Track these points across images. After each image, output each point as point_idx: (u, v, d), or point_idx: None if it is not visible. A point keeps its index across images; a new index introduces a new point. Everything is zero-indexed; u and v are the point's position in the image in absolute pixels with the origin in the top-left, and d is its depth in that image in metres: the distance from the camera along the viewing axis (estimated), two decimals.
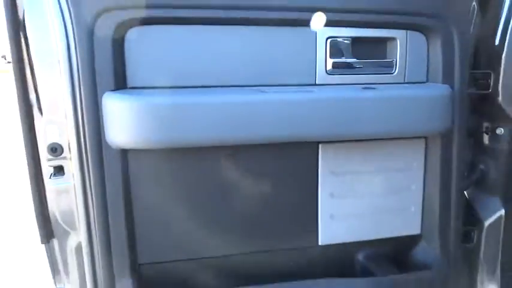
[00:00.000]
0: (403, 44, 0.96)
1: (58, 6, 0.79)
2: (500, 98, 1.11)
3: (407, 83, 0.97)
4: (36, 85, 0.88)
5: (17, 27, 0.86)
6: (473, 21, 1.13)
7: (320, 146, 0.94)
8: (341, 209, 0.99)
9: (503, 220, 1.17)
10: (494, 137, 1.16)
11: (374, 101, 0.89)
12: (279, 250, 0.97)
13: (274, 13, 0.88)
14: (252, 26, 0.89)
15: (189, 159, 0.90)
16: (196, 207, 0.91)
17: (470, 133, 1.21)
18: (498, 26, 1.10)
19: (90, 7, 0.78)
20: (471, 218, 1.21)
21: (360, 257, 1.02)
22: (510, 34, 1.07)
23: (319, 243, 0.99)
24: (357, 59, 0.95)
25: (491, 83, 1.11)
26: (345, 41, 0.93)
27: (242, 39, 0.89)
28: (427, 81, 0.98)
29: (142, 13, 0.81)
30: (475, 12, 1.12)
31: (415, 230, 1.04)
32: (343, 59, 0.94)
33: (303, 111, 0.85)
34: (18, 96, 0.89)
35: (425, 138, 1.01)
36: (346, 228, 1.00)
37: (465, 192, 1.27)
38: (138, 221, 0.89)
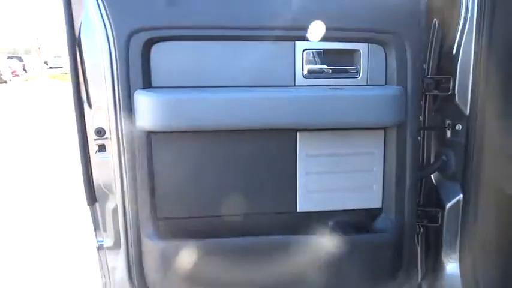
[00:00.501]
0: (365, 55, 1.22)
1: (104, 28, 1.11)
2: (457, 99, 1.34)
3: (369, 85, 1.23)
4: (87, 85, 1.20)
5: (74, 43, 1.19)
6: (435, 34, 1.38)
7: (298, 133, 1.22)
8: (315, 184, 1.25)
9: (461, 204, 1.39)
10: (454, 132, 1.39)
11: (341, 98, 1.16)
12: (266, 214, 1.25)
13: (264, 31, 1.16)
14: (247, 41, 1.18)
15: (196, 140, 1.19)
16: (200, 177, 1.20)
17: (437, 128, 1.44)
18: (455, 39, 1.34)
19: (126, 30, 1.10)
20: (436, 201, 1.44)
21: (330, 223, 1.28)
22: (463, 45, 1.30)
23: (297, 210, 1.25)
24: (328, 66, 1.22)
25: (451, 86, 1.34)
26: (318, 52, 1.21)
27: (239, 51, 1.18)
28: (386, 84, 1.24)
29: (162, 34, 1.12)
30: (437, 27, 1.37)
31: (377, 204, 1.29)
32: (316, 66, 1.21)
33: (285, 106, 1.15)
34: (73, 94, 1.22)
35: (384, 129, 1.26)
36: (319, 200, 1.26)
37: (432, 177, 1.49)
38: (158, 187, 1.19)
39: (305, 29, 1.17)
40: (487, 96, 1.30)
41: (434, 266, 1.46)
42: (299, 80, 1.21)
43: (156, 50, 1.14)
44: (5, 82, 20.90)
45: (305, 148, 1.23)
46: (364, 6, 1.19)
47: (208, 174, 1.21)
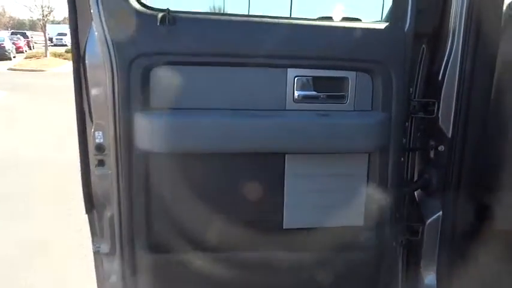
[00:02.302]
0: (353, 82, 1.28)
1: (107, 51, 1.17)
2: (440, 122, 1.41)
3: (356, 110, 1.30)
4: (90, 102, 1.27)
5: (79, 62, 1.25)
6: (422, 59, 1.44)
7: (286, 155, 1.29)
8: (302, 203, 1.34)
9: (441, 219, 1.47)
10: (437, 152, 1.46)
11: (328, 126, 1.24)
12: (254, 230, 1.34)
13: (258, 59, 1.23)
14: (244, 67, 1.25)
15: (191, 160, 1.27)
16: (193, 196, 1.29)
17: (421, 149, 1.51)
18: (442, 65, 1.39)
19: (128, 55, 1.16)
20: (418, 216, 1.52)
21: (315, 239, 1.36)
22: (448, 71, 1.36)
23: (284, 227, 1.34)
24: (317, 92, 1.28)
25: (436, 110, 1.40)
26: (308, 79, 1.28)
27: (234, 76, 1.25)
28: (372, 109, 1.31)
29: (161, 59, 1.19)
30: (425, 52, 1.43)
31: (359, 222, 1.37)
32: (306, 92, 1.28)
33: (275, 132, 1.23)
34: (76, 109, 1.29)
35: (368, 153, 1.33)
36: (305, 218, 1.35)
37: (415, 194, 1.57)
38: (151, 202, 1.27)
39: (297, 57, 1.24)
40: (468, 120, 1.37)
41: (414, 278, 1.55)
42: (290, 104, 1.28)
43: (155, 74, 1.21)
44: (10, 59, 20.89)
45: (293, 169, 1.30)
46: (353, 36, 1.25)
47: (201, 194, 1.29)
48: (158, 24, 1.15)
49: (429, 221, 1.48)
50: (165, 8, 1.18)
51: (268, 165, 1.30)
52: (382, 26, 1.29)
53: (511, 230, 1.69)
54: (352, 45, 1.25)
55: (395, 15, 1.29)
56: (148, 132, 1.19)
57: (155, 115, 1.19)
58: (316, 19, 1.38)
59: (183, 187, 1.27)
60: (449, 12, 1.33)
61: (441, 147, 1.44)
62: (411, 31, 1.26)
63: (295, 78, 1.27)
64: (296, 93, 1.27)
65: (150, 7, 1.20)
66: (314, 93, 1.29)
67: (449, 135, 1.39)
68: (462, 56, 1.31)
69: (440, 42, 1.38)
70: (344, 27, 1.28)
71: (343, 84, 1.29)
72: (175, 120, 1.21)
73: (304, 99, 1.28)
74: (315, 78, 1.28)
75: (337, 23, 1.30)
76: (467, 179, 1.43)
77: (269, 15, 1.23)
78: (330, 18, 1.57)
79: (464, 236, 1.48)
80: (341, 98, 1.30)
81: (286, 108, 1.28)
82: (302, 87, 1.27)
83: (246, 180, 1.30)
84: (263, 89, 1.27)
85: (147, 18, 1.16)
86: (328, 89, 1.29)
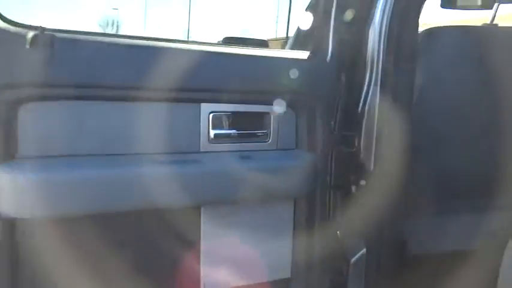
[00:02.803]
0: (275, 118, 1.13)
1: None
2: (362, 155, 1.33)
3: (279, 149, 1.14)
4: None
5: None
6: (342, 91, 1.36)
7: (202, 208, 1.08)
8: (222, 261, 1.13)
9: (365, 258, 1.39)
10: (358, 188, 1.38)
11: (249, 170, 1.05)
12: None
13: (165, 92, 1.00)
14: (146, 102, 1.00)
15: (72, 225, 0.97)
16: (77, 268, 0.99)
17: (343, 186, 1.43)
18: (361, 96, 1.33)
19: None
20: (341, 255, 1.43)
21: None
22: (369, 102, 1.30)
23: None
24: (236, 130, 1.10)
25: (356, 143, 1.33)
26: (226, 115, 1.08)
27: (135, 114, 1.00)
28: (296, 147, 1.17)
29: (31, 93, 0.89)
30: (344, 83, 1.35)
31: (286, 274, 1.22)
32: (224, 131, 1.09)
33: (186, 182, 1.00)
34: None
35: (294, 198, 1.19)
36: (225, 275, 1.14)
37: (337, 232, 1.49)
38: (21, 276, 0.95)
39: (212, 90, 1.04)
40: (389, 154, 1.32)
41: None
42: (204, 145, 1.07)
43: (24, 112, 0.90)
44: None
45: (210, 223, 1.09)
46: (274, 67, 1.10)
47: (87, 264, 1.00)
48: (28, 46, 0.86)
49: (353, 260, 1.40)
50: (39, 25, 0.88)
51: (179, 223, 1.07)
52: (304, 55, 1.16)
53: (425, 254, 1.72)
54: (273, 75, 1.09)
55: (316, 43, 1.18)
56: (12, 191, 0.87)
57: (22, 168, 0.88)
58: (225, 40, 1.21)
59: (60, 262, 0.97)
60: (367, 41, 1.27)
61: (363, 182, 1.37)
62: (333, 61, 1.16)
63: (211, 115, 1.07)
64: (212, 132, 1.07)
65: (18, 23, 0.89)
66: (233, 131, 1.10)
67: (371, 169, 1.32)
68: (381, 86, 1.25)
69: (359, 72, 1.31)
70: (263, 56, 1.12)
71: (264, 121, 1.13)
72: (51, 173, 0.90)
73: (222, 138, 1.09)
74: (233, 114, 1.09)
75: (256, 50, 1.14)
76: (389, 213, 1.38)
77: (179, 38, 1.01)
78: (237, 40, 1.41)
79: (390, 272, 1.43)
80: (263, 136, 1.13)
81: (201, 151, 1.07)
82: (219, 125, 1.08)
83: (151, 245, 1.05)
84: (171, 128, 1.04)
85: (13, 38, 0.86)
86: (249, 126, 1.12)
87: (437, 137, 1.51)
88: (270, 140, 1.14)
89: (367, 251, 1.38)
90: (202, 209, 1.08)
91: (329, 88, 1.17)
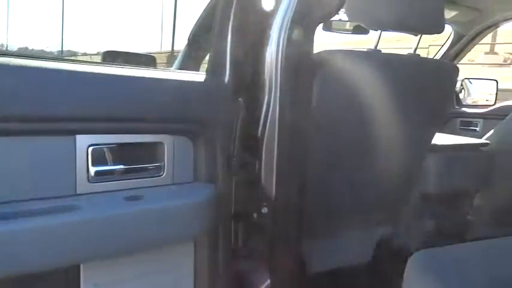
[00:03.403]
0: (170, 148, 0.98)
1: None
2: (263, 181, 1.26)
3: (175, 184, 1.00)
4: None
5: None
6: (239, 115, 1.27)
7: (82, 266, 0.88)
8: None
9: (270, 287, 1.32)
10: (260, 215, 1.31)
11: (140, 213, 0.88)
12: None
13: (24, 123, 0.78)
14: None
15: None
16: None
17: (245, 215, 1.34)
18: (260, 120, 1.26)
19: None
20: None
21: None
22: (268, 127, 1.24)
23: None
24: (123, 165, 0.93)
25: (257, 169, 1.25)
26: (109, 148, 0.91)
27: None
28: (194, 180, 1.04)
29: None
30: (242, 106, 1.26)
31: None
32: (106, 167, 0.91)
33: (59, 235, 0.78)
34: None
35: (194, 239, 1.05)
36: None
37: (242, 265, 1.39)
38: None
39: (90, 119, 0.86)
40: (292, 178, 1.27)
41: None
42: (82, 186, 0.87)
43: None
44: None
45: (92, 282, 0.89)
46: (166, 90, 0.96)
47: None
48: None
49: None
50: None
51: (57, 280, 0.85)
52: (200, 77, 1.05)
53: (325, 271, 1.72)
54: (166, 101, 0.95)
55: (212, 65, 1.08)
56: None
57: None
58: (106, 55, 1.03)
59: None
60: (264, 62, 1.21)
61: (264, 209, 1.30)
62: (230, 84, 1.07)
63: (89, 148, 0.88)
64: (92, 170, 0.88)
65: None
66: (119, 167, 0.92)
67: (273, 195, 1.26)
68: (281, 109, 1.20)
69: (257, 95, 1.25)
70: (153, 78, 0.97)
71: (157, 152, 0.98)
72: None
73: (105, 176, 0.90)
74: (118, 146, 0.92)
75: (144, 71, 0.99)
76: (291, 237, 1.34)
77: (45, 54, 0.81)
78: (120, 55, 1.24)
79: None
80: (156, 170, 0.98)
81: (78, 193, 0.87)
82: (100, 161, 0.89)
83: None
84: (36, 168, 0.82)
85: None
86: (138, 160, 0.96)
87: (326, 156, 1.53)
88: (165, 174, 0.99)
89: (271, 282, 1.31)
90: (81, 267, 0.88)
91: (227, 112, 1.07)
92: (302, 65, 1.21)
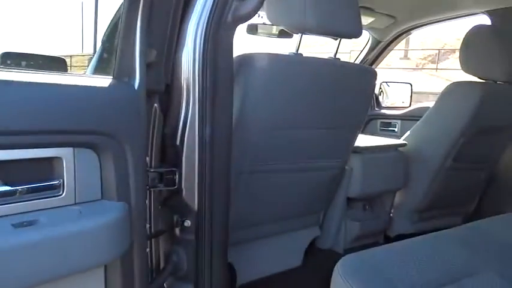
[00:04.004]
0: (69, 163, 0.86)
1: None
2: (184, 193, 1.18)
3: (79, 204, 0.88)
4: None
5: None
6: (156, 123, 1.17)
7: None
8: None
9: None
10: (183, 228, 1.22)
11: (31, 242, 0.75)
12: None
13: None
14: None
15: None
16: None
17: (165, 230, 1.24)
18: (178, 127, 1.17)
19: None
20: None
21: None
22: (187, 134, 1.15)
23: None
24: (11, 186, 0.79)
25: (177, 180, 1.16)
26: None
27: None
28: (102, 198, 0.92)
29: None
30: (157, 113, 1.16)
31: None
32: None
33: None
34: None
35: (104, 265, 0.93)
36: None
37: (164, 285, 1.29)
38: None
39: None
40: (214, 188, 1.20)
41: None
42: None
43: None
44: None
45: None
46: (66, 100, 0.84)
47: None
48: None
49: None
50: None
51: None
52: (106, 81, 0.94)
53: (255, 280, 1.68)
54: (64, 109, 0.83)
55: (119, 69, 0.97)
56: None
57: None
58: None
59: None
60: (181, 65, 1.13)
61: (187, 222, 1.21)
62: (141, 89, 0.98)
63: None
64: None
65: None
66: (6, 188, 0.78)
67: (195, 207, 1.18)
68: (200, 113, 1.13)
69: (174, 101, 1.16)
70: (52, 84, 0.85)
71: (55, 168, 0.85)
72: None
73: None
74: (6, 163, 0.78)
75: (41, 76, 0.86)
76: (222, 252, 1.27)
77: None
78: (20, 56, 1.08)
79: None
80: (54, 189, 0.85)
81: None
82: None
83: None
84: None
85: None
86: (32, 178, 0.82)
87: (249, 161, 1.49)
88: (65, 193, 0.86)
89: None
90: None
91: (139, 120, 0.97)
92: (221, 67, 1.15)
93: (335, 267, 1.03)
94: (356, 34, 1.46)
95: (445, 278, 1.00)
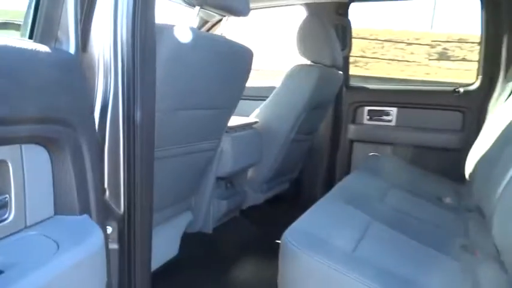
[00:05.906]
0: (18, 169, 0.56)
1: None
2: (107, 196, 0.94)
3: (30, 227, 0.59)
4: None
5: None
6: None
7: None
8: None
9: None
10: (106, 236, 0.98)
11: None
12: None
13: None
14: None
15: None
16: None
17: None
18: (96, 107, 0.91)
19: None
20: None
21: None
22: (110, 121, 0.91)
23: None
24: None
25: (106, 180, 0.91)
26: None
27: None
28: (55, 214, 0.65)
29: None
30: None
31: None
32: None
33: None
34: None
35: None
36: None
37: None
38: None
39: None
40: (142, 191, 1.01)
41: None
42: None
43: None
44: None
45: None
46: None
47: None
48: None
49: None
50: None
51: None
52: (35, 46, 0.64)
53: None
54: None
55: (43, 30, 0.68)
56: None
57: None
58: None
59: None
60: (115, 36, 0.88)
61: (109, 229, 0.99)
62: (78, 55, 0.72)
63: None
64: None
65: None
66: None
67: (121, 211, 0.97)
68: (126, 95, 0.91)
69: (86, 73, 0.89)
70: None
71: None
72: None
73: None
74: None
75: None
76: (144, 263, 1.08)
77: None
78: None
79: None
80: None
81: None
82: None
83: None
84: None
85: None
86: None
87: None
88: (13, 216, 0.56)
89: None
90: None
91: (86, 98, 0.72)
92: (148, 36, 0.94)
93: (281, 244, 1.04)
94: (245, 12, 1.45)
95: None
